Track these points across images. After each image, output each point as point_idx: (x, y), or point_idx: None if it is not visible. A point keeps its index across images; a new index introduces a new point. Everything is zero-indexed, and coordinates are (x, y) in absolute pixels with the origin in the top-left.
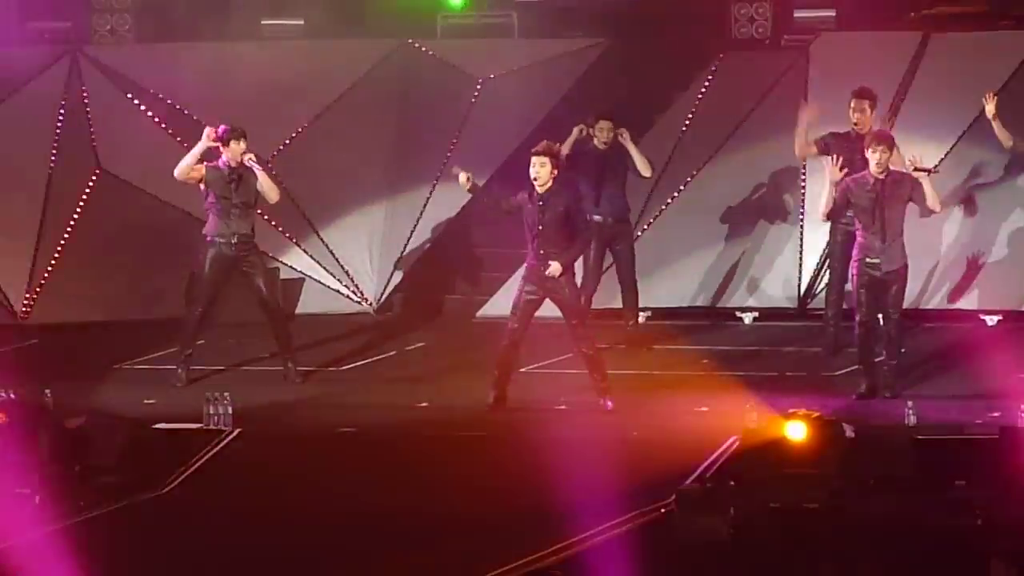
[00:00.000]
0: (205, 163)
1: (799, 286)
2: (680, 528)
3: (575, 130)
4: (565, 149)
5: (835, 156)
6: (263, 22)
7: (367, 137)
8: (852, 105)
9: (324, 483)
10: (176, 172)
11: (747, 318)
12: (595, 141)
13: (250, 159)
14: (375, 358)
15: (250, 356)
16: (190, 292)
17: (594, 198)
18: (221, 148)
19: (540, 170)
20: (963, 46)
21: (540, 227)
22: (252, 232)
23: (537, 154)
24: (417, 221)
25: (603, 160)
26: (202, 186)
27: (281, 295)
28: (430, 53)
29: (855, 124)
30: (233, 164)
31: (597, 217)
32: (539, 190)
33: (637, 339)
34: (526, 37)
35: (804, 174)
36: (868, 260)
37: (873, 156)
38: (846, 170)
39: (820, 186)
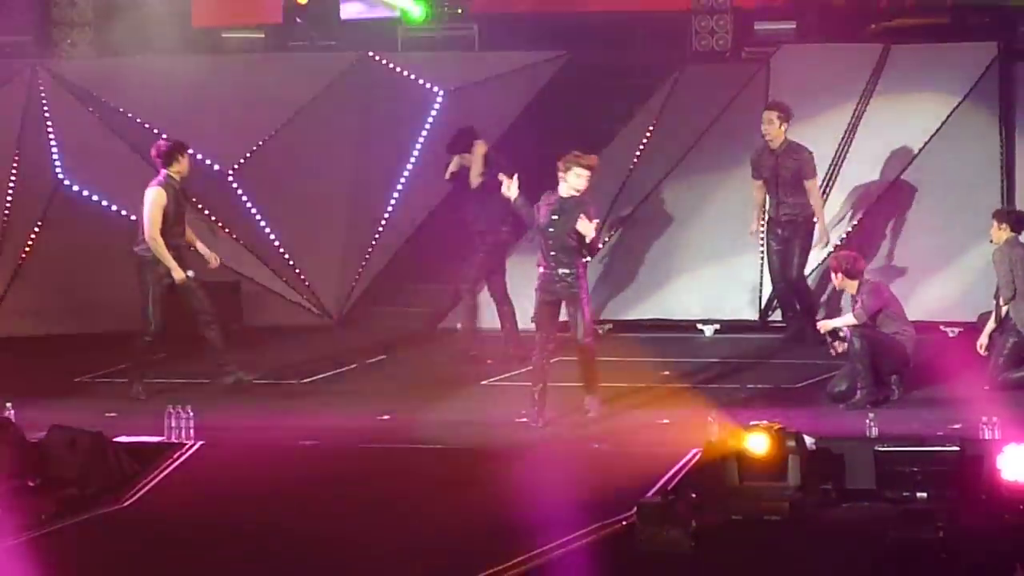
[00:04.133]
0: (159, 187)
1: (760, 298)
2: (642, 540)
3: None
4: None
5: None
6: (224, 35)
7: (328, 149)
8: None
9: (286, 496)
10: (154, 234)
11: (708, 330)
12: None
13: None
14: (337, 371)
15: (211, 368)
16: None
17: None
18: (172, 163)
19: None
20: (924, 58)
21: (552, 232)
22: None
23: (584, 166)
24: (378, 233)
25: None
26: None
27: (243, 307)
28: (391, 66)
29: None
30: (182, 176)
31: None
32: (562, 194)
33: None
34: (487, 50)
35: None
36: None
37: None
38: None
39: None
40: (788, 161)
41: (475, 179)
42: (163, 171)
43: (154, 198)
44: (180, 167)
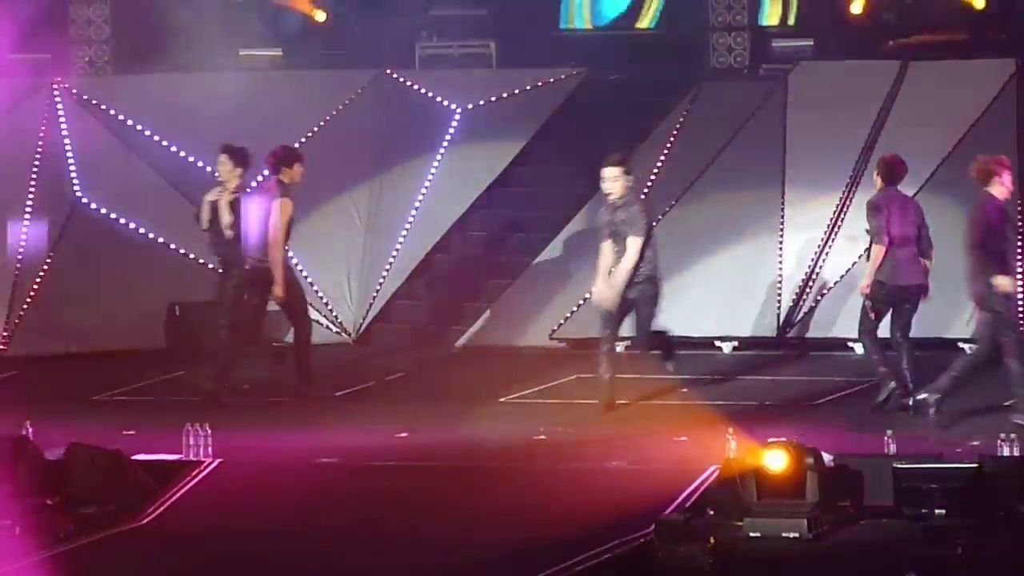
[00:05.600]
0: (285, 196)
1: (778, 315)
2: (660, 558)
3: None
4: None
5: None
6: (241, 52)
7: (346, 167)
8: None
9: (303, 513)
10: (281, 244)
11: (726, 347)
12: None
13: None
14: (354, 388)
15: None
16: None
17: None
18: (282, 171)
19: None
20: (941, 74)
21: None
22: None
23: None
24: (396, 251)
25: None
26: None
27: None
28: (408, 83)
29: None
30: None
31: None
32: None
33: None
34: (504, 67)
35: (783, 203)
36: None
37: None
38: None
39: (800, 215)
40: (623, 215)
41: (226, 226)
42: (274, 177)
43: (284, 207)
44: (289, 175)
